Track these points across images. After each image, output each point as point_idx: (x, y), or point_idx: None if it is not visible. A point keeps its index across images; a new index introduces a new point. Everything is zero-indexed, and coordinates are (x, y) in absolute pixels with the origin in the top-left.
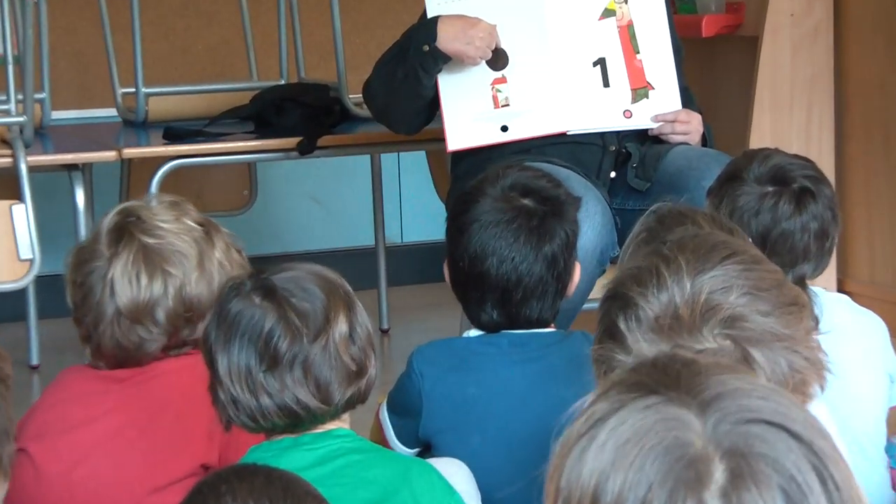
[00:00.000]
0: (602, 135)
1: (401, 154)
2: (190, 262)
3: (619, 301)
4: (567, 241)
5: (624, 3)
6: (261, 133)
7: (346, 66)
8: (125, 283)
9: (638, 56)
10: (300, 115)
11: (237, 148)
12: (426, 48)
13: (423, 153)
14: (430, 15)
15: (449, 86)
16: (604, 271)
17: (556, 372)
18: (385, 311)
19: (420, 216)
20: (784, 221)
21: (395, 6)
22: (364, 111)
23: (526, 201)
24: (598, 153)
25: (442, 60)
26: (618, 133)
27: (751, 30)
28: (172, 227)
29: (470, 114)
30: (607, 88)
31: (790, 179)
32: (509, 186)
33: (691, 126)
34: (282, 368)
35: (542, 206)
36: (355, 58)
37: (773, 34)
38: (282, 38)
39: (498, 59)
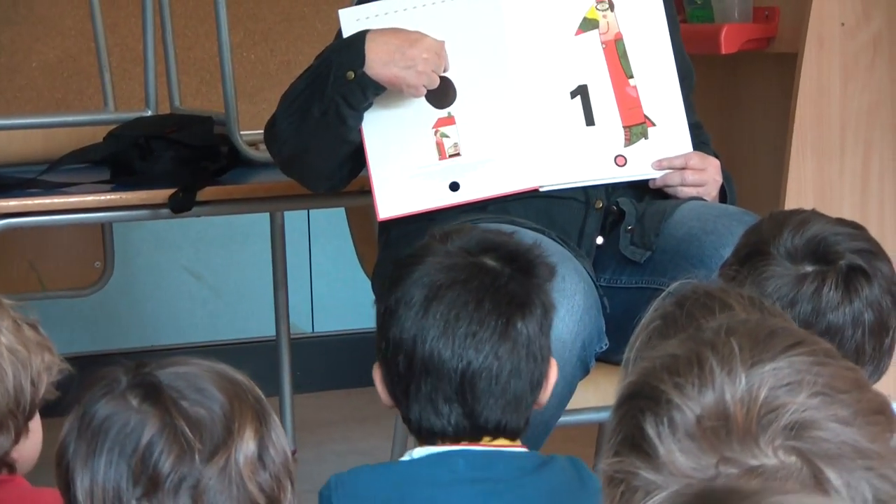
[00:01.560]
0: (585, 187)
1: (311, 212)
2: None
3: (645, 399)
4: (544, 317)
5: (609, 11)
6: (119, 183)
7: (236, 92)
8: None
9: (631, 81)
10: (174, 158)
11: (86, 203)
12: (351, 75)
13: (341, 211)
14: (345, 34)
15: (376, 130)
16: (587, 371)
17: None
18: (290, 426)
19: (337, 298)
20: (829, 313)
21: (305, 10)
22: (261, 153)
23: (486, 259)
24: (580, 211)
25: (373, 91)
26: (606, 185)
27: (787, 45)
28: None
29: (406, 168)
30: (591, 127)
31: (835, 255)
32: (462, 245)
33: (706, 175)
34: (163, 495)
35: (508, 265)
36: (249, 81)
37: (817, 50)
38: (148, 53)
39: (443, 93)
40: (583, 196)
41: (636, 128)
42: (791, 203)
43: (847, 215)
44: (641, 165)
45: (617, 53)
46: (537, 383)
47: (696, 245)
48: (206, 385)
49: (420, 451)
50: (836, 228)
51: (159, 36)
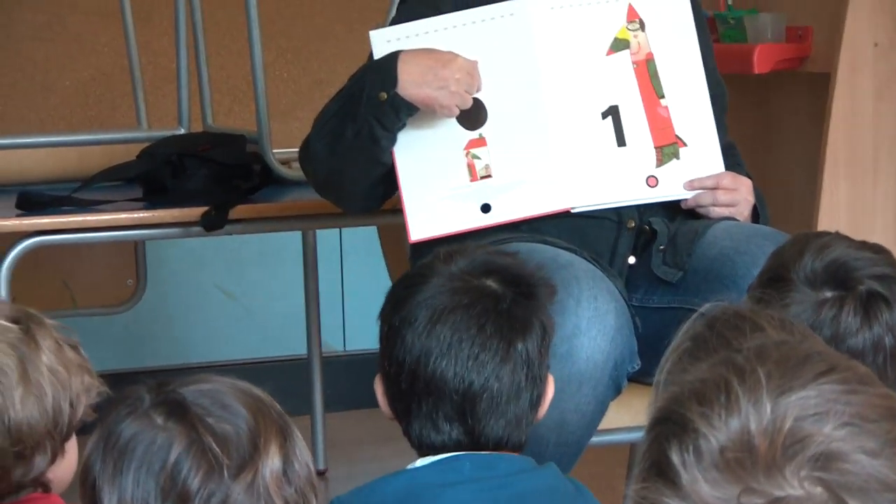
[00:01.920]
0: (617, 207)
1: (343, 231)
2: (9, 376)
3: (672, 426)
4: (543, 338)
5: (640, 31)
6: (152, 201)
7: (269, 111)
8: None
9: (663, 101)
10: (206, 176)
11: (119, 221)
12: (384, 96)
13: (373, 230)
14: (376, 55)
15: (408, 153)
16: (619, 391)
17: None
18: (321, 445)
19: (369, 316)
20: (849, 338)
21: (338, 28)
22: (294, 171)
23: (489, 282)
24: (612, 231)
25: (406, 112)
26: (638, 205)
27: (820, 65)
28: None
29: (438, 190)
30: (623, 148)
31: (854, 280)
32: (465, 267)
33: (738, 195)
34: None
35: (510, 289)
36: (282, 99)
37: (850, 71)
38: (181, 71)
39: (474, 114)
40: (615, 216)
41: (667, 148)
42: (823, 224)
43: (879, 236)
44: (673, 186)
45: (648, 73)
46: (537, 402)
47: (728, 265)
48: (231, 401)
49: (424, 460)
50: (857, 253)
51: (192, 54)
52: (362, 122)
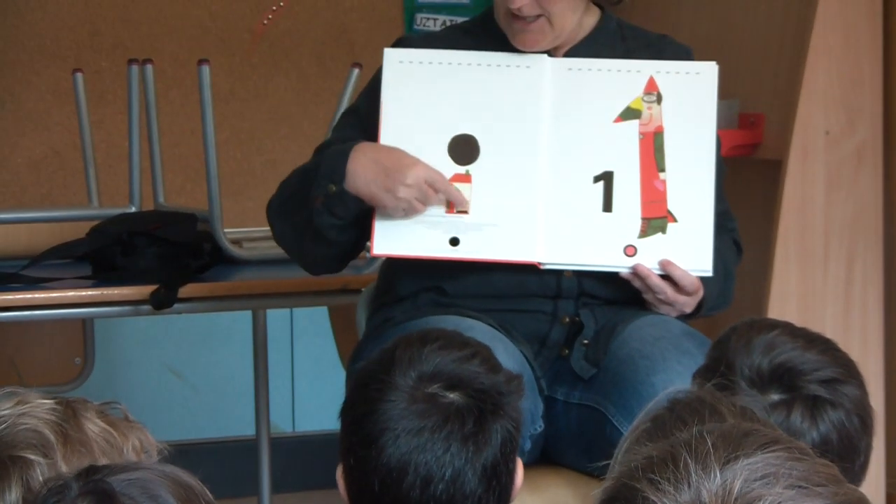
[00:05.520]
0: (554, 299)
1: (294, 311)
2: (50, 441)
3: (623, 501)
4: (511, 440)
5: (655, 103)
6: (101, 279)
7: (220, 190)
8: None
9: (661, 175)
10: (156, 255)
11: (67, 299)
12: (332, 189)
13: (324, 311)
14: (386, 74)
15: None
16: (523, 454)
17: None
18: None
19: (319, 397)
20: (799, 438)
21: (292, 110)
22: (244, 251)
23: (454, 396)
24: (546, 324)
25: (354, 205)
26: (577, 298)
27: (772, 152)
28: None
29: None
30: (608, 213)
31: (800, 385)
32: (429, 376)
33: (684, 304)
34: None
35: (477, 403)
36: (234, 179)
37: (801, 158)
38: (133, 149)
39: (466, 150)
40: (550, 307)
41: (655, 221)
42: (774, 310)
43: (829, 324)
44: (650, 258)
45: (654, 146)
46: (506, 500)
47: (631, 368)
48: (160, 491)
49: None
50: (802, 356)
51: (145, 133)
52: (315, 210)
